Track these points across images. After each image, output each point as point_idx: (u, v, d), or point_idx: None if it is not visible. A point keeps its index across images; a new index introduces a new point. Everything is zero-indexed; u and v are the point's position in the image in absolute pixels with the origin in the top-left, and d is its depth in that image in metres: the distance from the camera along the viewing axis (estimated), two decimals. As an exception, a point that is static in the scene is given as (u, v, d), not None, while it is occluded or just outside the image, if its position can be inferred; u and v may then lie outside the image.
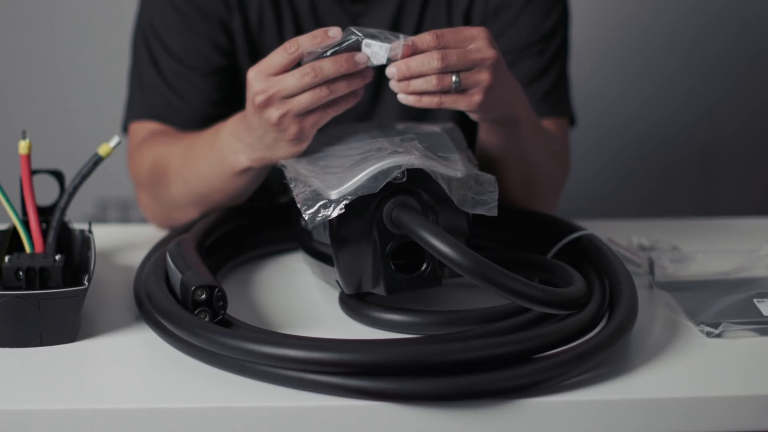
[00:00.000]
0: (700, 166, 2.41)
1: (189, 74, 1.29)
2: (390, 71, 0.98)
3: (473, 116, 1.04)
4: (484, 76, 0.99)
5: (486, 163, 1.14)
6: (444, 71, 0.97)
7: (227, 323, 0.90)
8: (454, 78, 0.97)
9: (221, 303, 0.90)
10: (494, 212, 0.94)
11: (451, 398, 0.82)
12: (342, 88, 0.99)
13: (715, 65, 2.34)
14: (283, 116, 0.99)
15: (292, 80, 0.98)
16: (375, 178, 0.92)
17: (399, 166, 0.92)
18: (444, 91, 0.98)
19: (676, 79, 2.35)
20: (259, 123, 1.01)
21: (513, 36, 1.30)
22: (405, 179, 0.93)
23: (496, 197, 0.95)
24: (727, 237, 1.24)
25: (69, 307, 0.91)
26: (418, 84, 0.97)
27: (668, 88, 2.35)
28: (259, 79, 1.00)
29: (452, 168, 0.95)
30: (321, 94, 0.98)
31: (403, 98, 0.98)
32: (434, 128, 1.08)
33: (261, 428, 0.83)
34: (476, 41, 0.99)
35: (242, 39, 1.31)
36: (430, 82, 0.97)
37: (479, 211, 0.94)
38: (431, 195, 0.94)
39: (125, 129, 1.35)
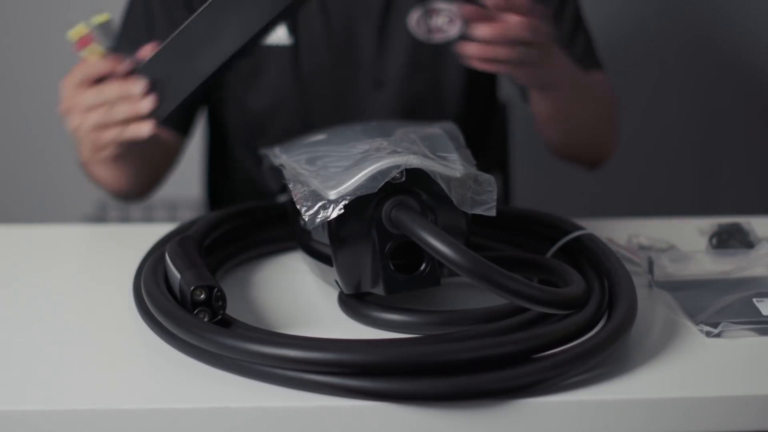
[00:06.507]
0: (700, 166, 2.41)
1: None
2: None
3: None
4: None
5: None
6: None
7: (226, 323, 0.90)
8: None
9: (220, 303, 0.90)
10: (493, 212, 0.94)
11: (451, 398, 0.82)
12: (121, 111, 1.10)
13: (716, 64, 2.34)
14: (77, 127, 1.12)
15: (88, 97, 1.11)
16: (374, 178, 0.92)
17: (398, 166, 0.92)
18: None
19: (676, 77, 2.35)
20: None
21: None
22: (404, 179, 0.93)
23: (495, 197, 0.94)
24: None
25: None
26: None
27: (668, 86, 2.35)
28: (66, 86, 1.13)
29: (451, 168, 0.95)
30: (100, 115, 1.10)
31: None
32: (433, 128, 1.08)
33: (261, 428, 0.83)
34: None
35: None
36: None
37: (478, 210, 0.94)
38: (430, 195, 0.94)
39: None
